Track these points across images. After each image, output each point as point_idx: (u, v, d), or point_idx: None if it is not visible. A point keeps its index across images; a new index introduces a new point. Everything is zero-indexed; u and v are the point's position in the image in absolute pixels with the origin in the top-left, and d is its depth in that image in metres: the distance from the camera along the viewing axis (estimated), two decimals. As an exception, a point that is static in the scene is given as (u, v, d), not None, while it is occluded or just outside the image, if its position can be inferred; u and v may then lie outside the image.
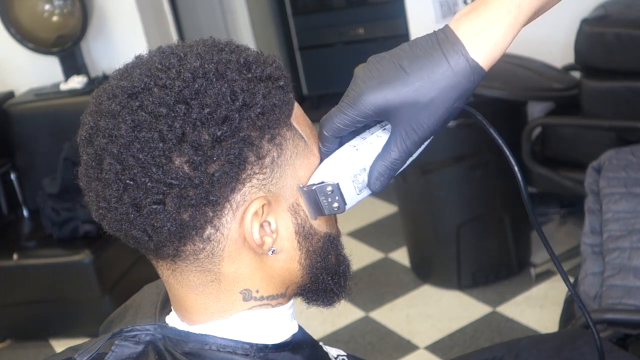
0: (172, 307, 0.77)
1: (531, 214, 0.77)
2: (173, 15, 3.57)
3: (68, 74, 3.11)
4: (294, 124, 0.71)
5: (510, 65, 2.55)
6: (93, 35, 3.17)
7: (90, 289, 2.64)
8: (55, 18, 3.06)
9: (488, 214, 2.60)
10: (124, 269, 2.75)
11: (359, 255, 3.02)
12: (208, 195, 0.65)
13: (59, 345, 2.78)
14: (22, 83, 3.26)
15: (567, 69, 2.73)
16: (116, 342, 0.73)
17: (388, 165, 0.71)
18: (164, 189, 0.64)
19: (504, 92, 2.40)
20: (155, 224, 0.66)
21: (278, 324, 0.74)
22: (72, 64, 3.11)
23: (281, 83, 0.69)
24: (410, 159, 0.73)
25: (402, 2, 3.04)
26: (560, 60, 2.75)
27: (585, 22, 2.40)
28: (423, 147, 0.73)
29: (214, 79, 0.66)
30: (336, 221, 0.79)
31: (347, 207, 0.73)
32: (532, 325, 2.41)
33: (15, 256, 2.73)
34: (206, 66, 0.66)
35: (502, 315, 2.50)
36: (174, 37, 3.46)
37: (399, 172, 0.73)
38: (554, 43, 2.79)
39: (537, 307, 2.50)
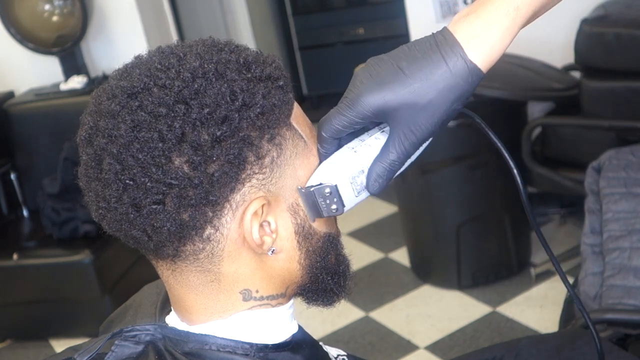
0: (172, 307, 0.77)
1: (530, 217, 0.77)
2: (173, 15, 3.57)
3: (68, 74, 3.11)
4: (294, 124, 0.71)
5: (510, 65, 2.55)
6: (93, 35, 3.17)
7: (90, 289, 2.64)
8: (55, 18, 3.06)
9: (488, 214, 2.60)
10: (124, 269, 2.75)
11: (359, 255, 3.02)
12: (208, 195, 0.65)
13: (59, 345, 2.78)
14: (22, 83, 3.26)
15: (567, 69, 2.73)
16: (116, 342, 0.73)
17: (386, 167, 0.71)
18: (164, 189, 0.64)
19: (504, 92, 2.40)
20: (155, 224, 0.66)
21: (278, 324, 0.74)
22: (72, 64, 3.11)
23: (281, 83, 0.69)
24: (409, 161, 0.73)
25: (402, 2, 3.04)
26: (560, 60, 2.75)
27: (585, 22, 2.40)
28: (421, 149, 0.72)
29: (214, 79, 0.66)
30: (336, 221, 0.78)
31: (346, 209, 0.73)
32: (532, 325, 2.41)
33: (15, 256, 2.73)
34: (206, 66, 0.66)
35: (502, 315, 2.50)
36: (174, 37, 3.45)
37: (397, 174, 0.73)
38: (554, 43, 2.79)
39: (537, 307, 2.49)
